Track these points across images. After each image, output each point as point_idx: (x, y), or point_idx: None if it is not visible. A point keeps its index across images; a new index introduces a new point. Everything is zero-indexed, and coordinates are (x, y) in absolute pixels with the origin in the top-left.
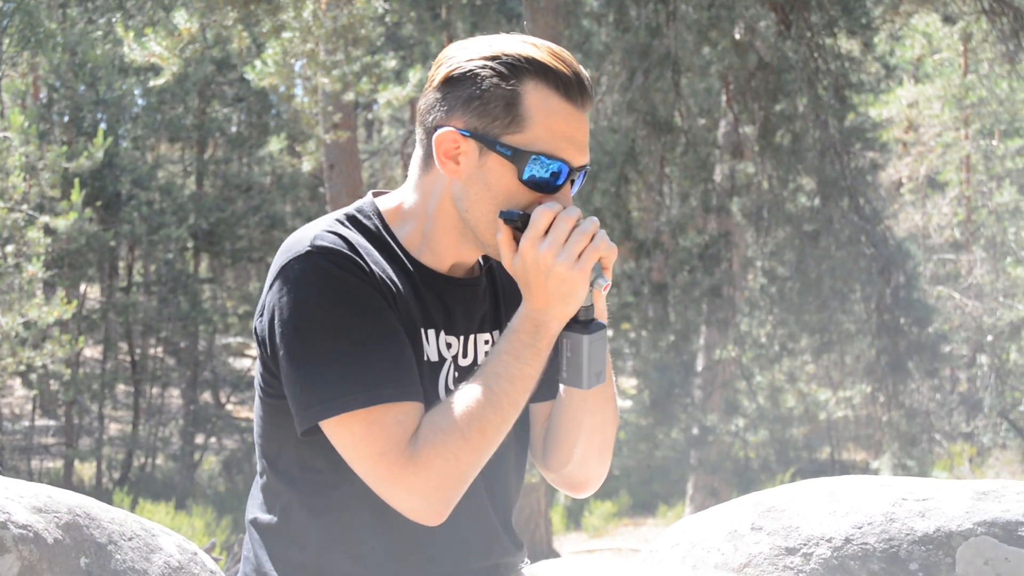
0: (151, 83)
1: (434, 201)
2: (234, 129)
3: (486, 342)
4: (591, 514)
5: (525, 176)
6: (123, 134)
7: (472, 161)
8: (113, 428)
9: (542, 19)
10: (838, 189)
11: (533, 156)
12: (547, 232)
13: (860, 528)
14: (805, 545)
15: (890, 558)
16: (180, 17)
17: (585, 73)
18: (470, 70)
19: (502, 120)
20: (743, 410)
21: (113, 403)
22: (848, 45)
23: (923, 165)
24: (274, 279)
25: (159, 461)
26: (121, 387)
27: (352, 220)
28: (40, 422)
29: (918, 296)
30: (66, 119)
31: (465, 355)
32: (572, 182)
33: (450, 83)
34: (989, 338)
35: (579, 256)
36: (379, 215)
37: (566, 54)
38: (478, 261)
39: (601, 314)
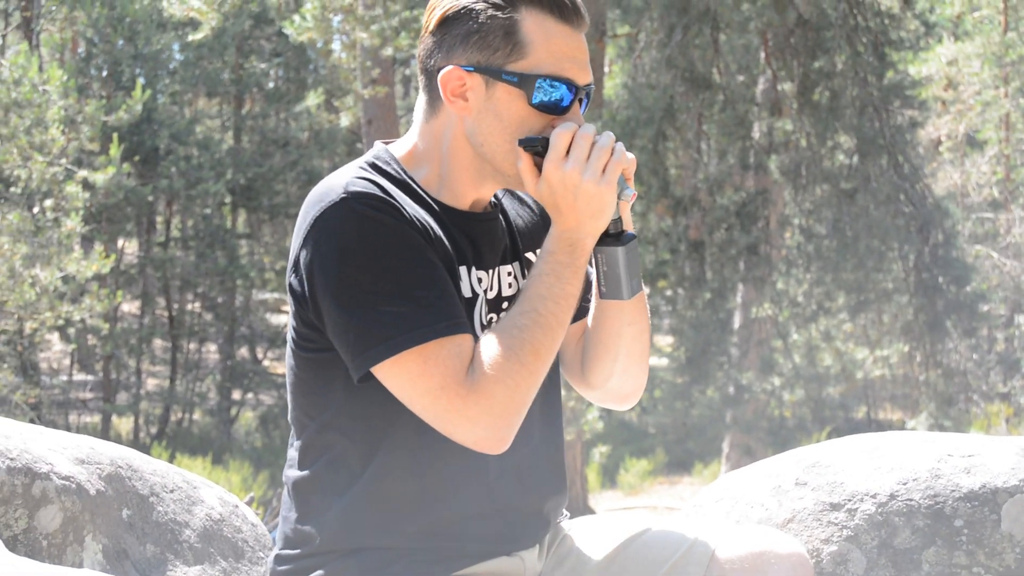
0: (189, 37)
1: (447, 142)
2: (271, 84)
3: (509, 273)
4: (627, 472)
5: (535, 100)
6: (161, 89)
7: (480, 95)
8: (150, 383)
9: None
10: (876, 147)
11: (539, 79)
12: (568, 152)
13: (905, 484)
14: (850, 501)
15: (935, 514)
16: None
17: None
18: (464, 7)
19: (503, 50)
20: (779, 369)
21: (151, 358)
22: (888, 2)
23: (962, 123)
24: (308, 230)
25: (196, 416)
26: (158, 342)
27: (374, 167)
28: (78, 377)
29: (956, 255)
30: (104, 74)
31: (491, 288)
32: (580, 101)
33: (446, 24)
34: None
35: (604, 171)
36: (396, 161)
37: None
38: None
39: (628, 224)
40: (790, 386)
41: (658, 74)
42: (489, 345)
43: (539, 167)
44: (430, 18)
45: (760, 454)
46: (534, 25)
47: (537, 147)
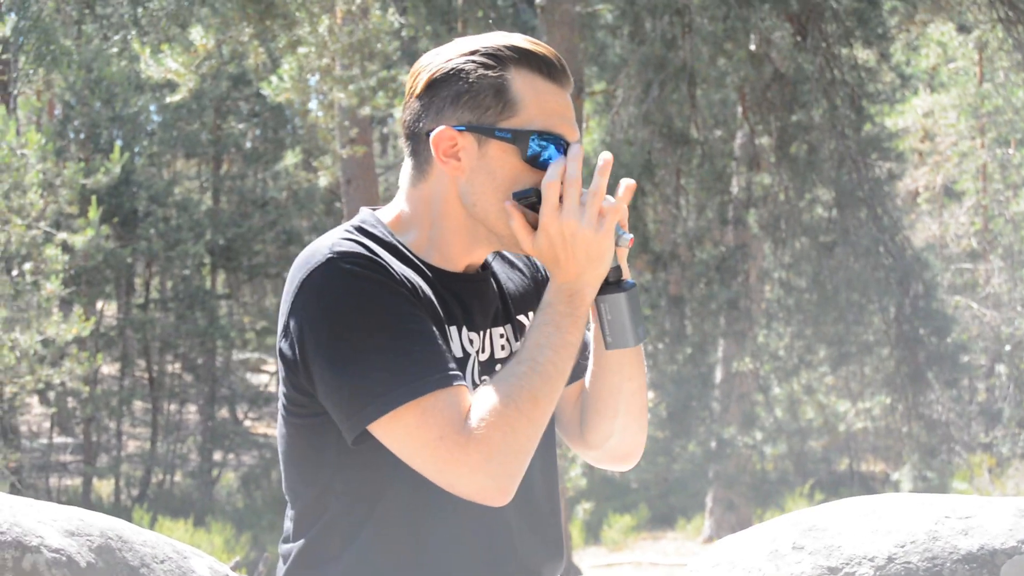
0: (167, 99)
1: (437, 205)
2: (249, 145)
3: (501, 335)
4: (610, 528)
5: (528, 154)
6: (139, 151)
7: (472, 154)
8: (131, 445)
9: (557, 31)
10: (855, 200)
11: (533, 134)
12: (561, 201)
13: (903, 547)
14: (848, 564)
15: None
16: (196, 33)
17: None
18: (453, 68)
19: (495, 108)
20: (761, 422)
21: (131, 420)
22: (864, 55)
23: (939, 174)
24: (295, 294)
25: (177, 478)
26: (139, 404)
27: (360, 230)
28: (58, 439)
29: (936, 306)
30: (82, 136)
31: (483, 350)
32: None
33: (434, 86)
34: (1007, 348)
35: (599, 216)
36: (383, 224)
37: (540, 42)
38: None
39: (626, 272)
40: (772, 440)
41: (636, 130)
42: (486, 394)
43: (533, 224)
44: (415, 82)
45: (743, 508)
46: (523, 84)
47: (532, 196)
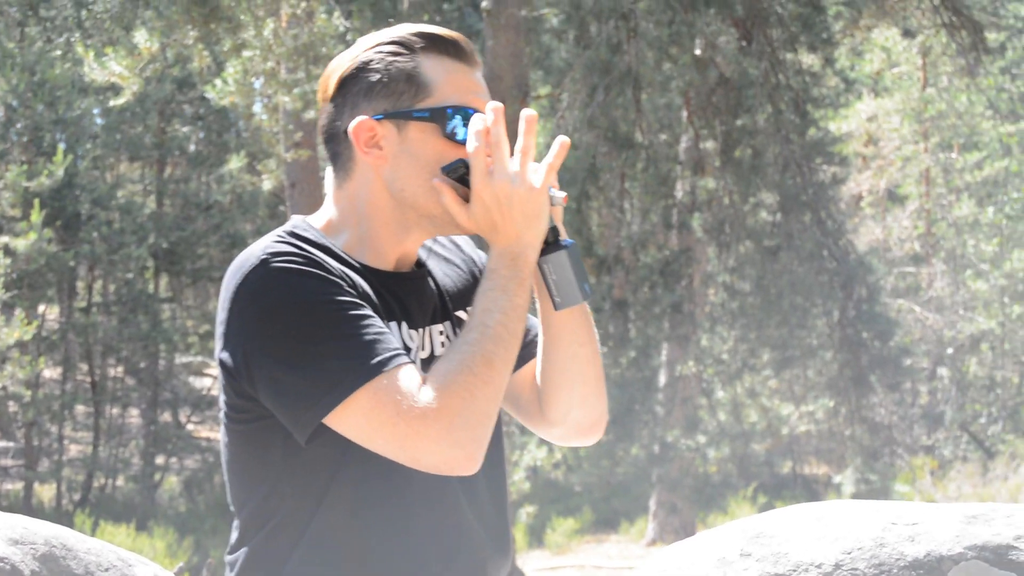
0: (111, 103)
1: (363, 201)
2: (193, 148)
3: (440, 332)
4: (553, 531)
5: (448, 129)
6: (82, 154)
7: (393, 140)
8: (73, 449)
9: (503, 35)
10: (799, 204)
11: (449, 109)
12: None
13: (850, 553)
14: (795, 571)
15: None
16: (140, 36)
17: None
18: (362, 62)
19: (409, 93)
20: (704, 426)
21: (73, 424)
22: (809, 60)
23: (883, 179)
24: (231, 301)
25: (119, 482)
26: (81, 408)
27: (291, 235)
28: None
29: (880, 310)
30: (25, 139)
31: (423, 348)
32: None
33: (346, 84)
34: (949, 351)
35: (526, 168)
36: (314, 228)
37: (443, 28)
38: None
39: (563, 232)
40: (715, 443)
41: (581, 134)
42: (439, 365)
43: (464, 198)
44: (327, 85)
45: (686, 511)
46: (434, 66)
47: (459, 168)
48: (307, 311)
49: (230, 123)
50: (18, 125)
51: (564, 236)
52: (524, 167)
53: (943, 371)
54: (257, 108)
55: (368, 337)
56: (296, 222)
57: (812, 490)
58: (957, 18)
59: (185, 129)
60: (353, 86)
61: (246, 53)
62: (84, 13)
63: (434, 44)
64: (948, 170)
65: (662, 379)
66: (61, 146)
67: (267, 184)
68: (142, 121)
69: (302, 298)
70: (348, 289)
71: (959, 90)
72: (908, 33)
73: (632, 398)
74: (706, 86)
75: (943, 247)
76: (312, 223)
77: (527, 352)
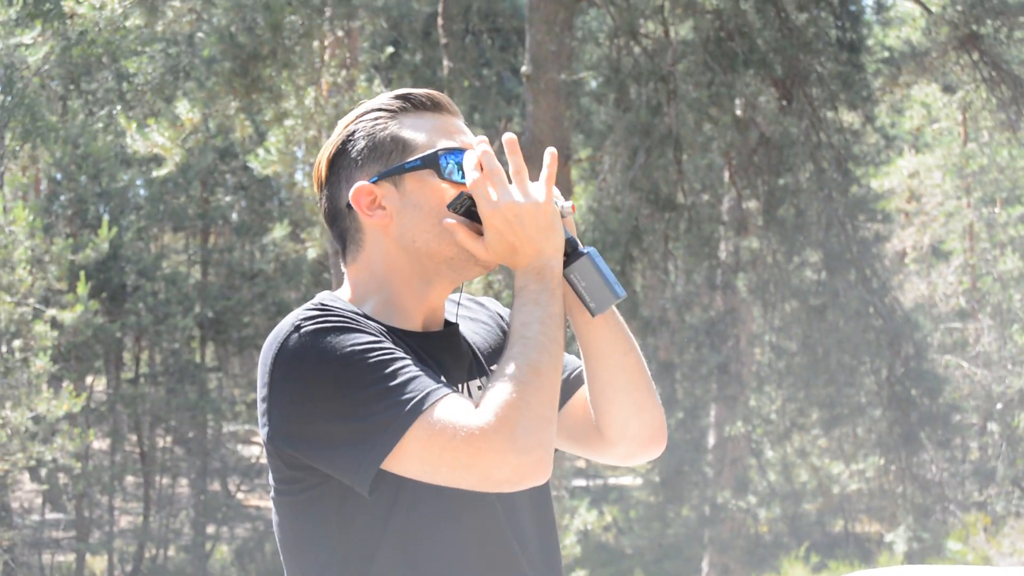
0: (154, 173)
1: (379, 265)
2: (236, 217)
3: (479, 388)
4: None
5: (445, 171)
6: (126, 225)
7: (394, 197)
8: (124, 520)
9: (543, 100)
10: (844, 262)
11: (440, 152)
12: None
13: None
14: None
15: None
16: (182, 107)
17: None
18: (345, 137)
19: (397, 151)
20: (754, 486)
21: (123, 495)
22: (849, 118)
23: (926, 234)
24: (270, 372)
25: (171, 552)
26: (130, 478)
27: (321, 304)
28: (50, 516)
29: (928, 366)
30: (69, 212)
31: None
32: None
33: (335, 161)
34: (999, 406)
35: (528, 185)
36: (342, 300)
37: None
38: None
39: (579, 241)
40: (766, 503)
41: (623, 196)
42: (487, 387)
43: (478, 232)
44: (319, 173)
45: (739, 573)
46: (415, 123)
47: (464, 201)
48: (346, 363)
49: (272, 192)
50: (62, 198)
51: (582, 245)
52: (523, 185)
53: (993, 426)
54: (299, 176)
55: (411, 375)
56: (323, 296)
57: (864, 549)
58: (997, 73)
59: (228, 199)
60: (343, 161)
61: (288, 122)
62: (125, 85)
63: (411, 103)
64: (991, 224)
65: (711, 440)
66: (105, 217)
67: (311, 252)
68: (185, 191)
69: (339, 352)
70: (382, 337)
71: (1000, 144)
72: (948, 89)
73: (681, 459)
74: (747, 146)
75: (989, 302)
76: (339, 295)
77: (570, 387)
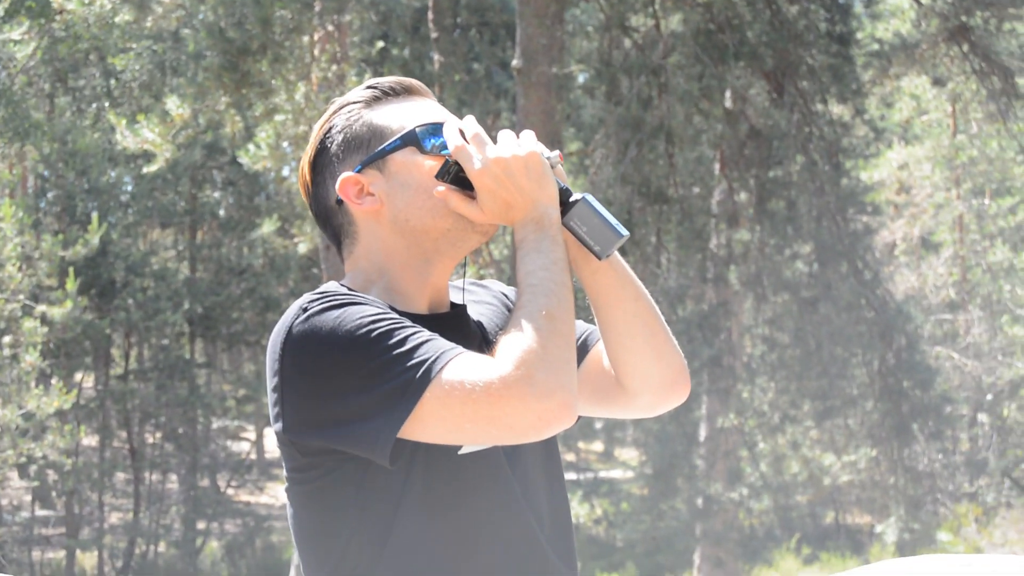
0: (143, 170)
1: (377, 253)
2: (224, 212)
3: None
4: None
5: (427, 145)
6: (115, 221)
7: (380, 181)
8: (114, 517)
9: (534, 93)
10: (835, 254)
11: (417, 129)
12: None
13: None
14: None
15: None
16: (172, 103)
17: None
18: (322, 136)
19: (375, 138)
20: (746, 478)
21: (113, 491)
22: (839, 110)
23: (916, 226)
24: (280, 358)
25: (161, 548)
26: (120, 475)
27: (326, 291)
28: (40, 512)
29: (919, 358)
30: (57, 208)
31: None
32: None
33: (317, 160)
34: (989, 397)
35: (514, 140)
36: (347, 287)
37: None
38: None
39: (572, 190)
40: (758, 495)
41: (614, 190)
42: (500, 337)
43: (470, 199)
44: (304, 176)
45: (731, 565)
46: (388, 110)
47: (451, 168)
48: (355, 333)
49: (260, 187)
50: (50, 195)
51: (576, 193)
52: (506, 136)
53: (983, 417)
54: (287, 171)
55: (422, 339)
56: (327, 285)
57: (856, 540)
58: (987, 64)
59: (216, 194)
60: (324, 159)
61: (278, 117)
62: (113, 82)
63: (381, 91)
64: (981, 216)
65: (703, 433)
66: (95, 214)
67: (302, 247)
68: (173, 188)
69: (348, 325)
70: (389, 310)
71: (990, 136)
72: (938, 81)
73: (673, 452)
74: (738, 139)
75: (979, 293)
76: (344, 284)
77: (584, 347)
